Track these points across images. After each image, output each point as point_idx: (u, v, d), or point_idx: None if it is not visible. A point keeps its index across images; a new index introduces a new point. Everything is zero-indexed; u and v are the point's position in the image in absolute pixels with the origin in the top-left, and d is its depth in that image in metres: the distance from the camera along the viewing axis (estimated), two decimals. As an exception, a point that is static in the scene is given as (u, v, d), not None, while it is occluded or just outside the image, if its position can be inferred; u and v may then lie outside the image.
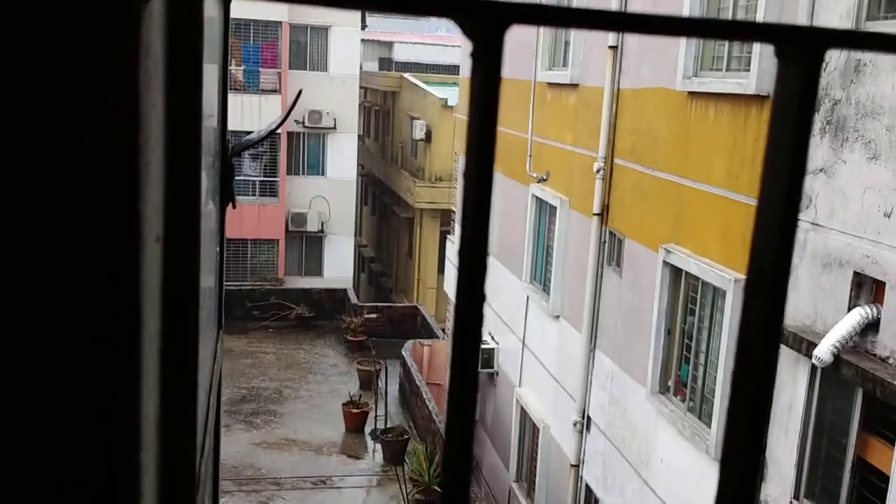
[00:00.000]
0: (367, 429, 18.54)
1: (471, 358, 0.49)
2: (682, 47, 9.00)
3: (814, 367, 6.86)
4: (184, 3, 0.66)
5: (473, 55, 0.50)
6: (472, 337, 0.48)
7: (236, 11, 26.61)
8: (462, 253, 0.50)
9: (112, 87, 0.46)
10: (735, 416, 0.53)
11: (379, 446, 17.66)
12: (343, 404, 18.78)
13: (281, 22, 26.41)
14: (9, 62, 0.46)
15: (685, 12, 8.94)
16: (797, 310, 7.23)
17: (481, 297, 0.50)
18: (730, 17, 8.49)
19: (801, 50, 0.52)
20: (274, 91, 26.67)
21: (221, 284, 2.03)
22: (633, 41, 10.42)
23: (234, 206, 1.99)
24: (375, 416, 18.41)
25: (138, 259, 0.51)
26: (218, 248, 1.91)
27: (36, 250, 0.49)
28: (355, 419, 18.54)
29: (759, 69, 7.64)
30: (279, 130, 26.47)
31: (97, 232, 0.50)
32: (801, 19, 7.15)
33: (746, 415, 0.52)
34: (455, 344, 0.49)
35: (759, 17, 7.68)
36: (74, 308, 0.51)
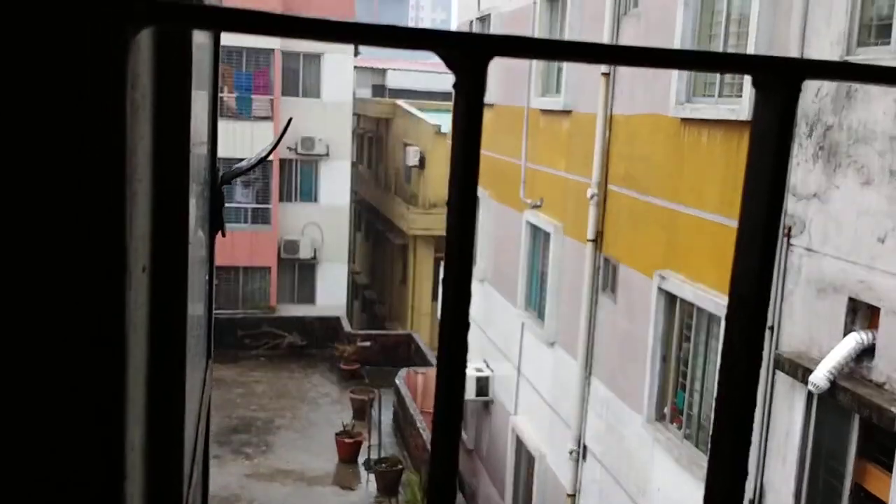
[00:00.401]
0: (361, 459, 18.39)
1: (456, 387, 0.48)
2: (675, 74, 9.07)
3: (810, 394, 6.84)
4: (172, 35, 0.66)
5: (456, 87, 0.51)
6: (456, 363, 0.47)
7: (228, 39, 26.76)
8: (446, 280, 0.49)
9: (99, 118, 0.45)
10: (719, 439, 0.52)
11: (373, 477, 17.50)
12: (336, 434, 18.64)
13: (273, 49, 26.55)
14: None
15: (677, 39, 9.02)
16: (792, 336, 7.22)
17: (465, 325, 0.50)
18: (721, 42, 8.56)
19: (779, 80, 0.53)
20: (266, 118, 26.75)
21: (211, 313, 2.01)
22: (625, 68, 10.50)
23: (223, 235, 1.98)
24: (369, 446, 18.27)
25: (123, 289, 0.50)
26: (207, 277, 1.90)
27: (17, 279, 0.49)
28: (348, 449, 18.39)
29: (751, 95, 7.68)
30: (271, 157, 26.54)
31: (82, 261, 0.49)
32: (793, 45, 7.21)
33: (731, 434, 0.52)
34: (440, 370, 0.48)
35: (751, 43, 7.75)
36: (58, 336, 0.50)
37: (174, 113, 0.69)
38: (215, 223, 1.85)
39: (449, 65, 0.49)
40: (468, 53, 0.49)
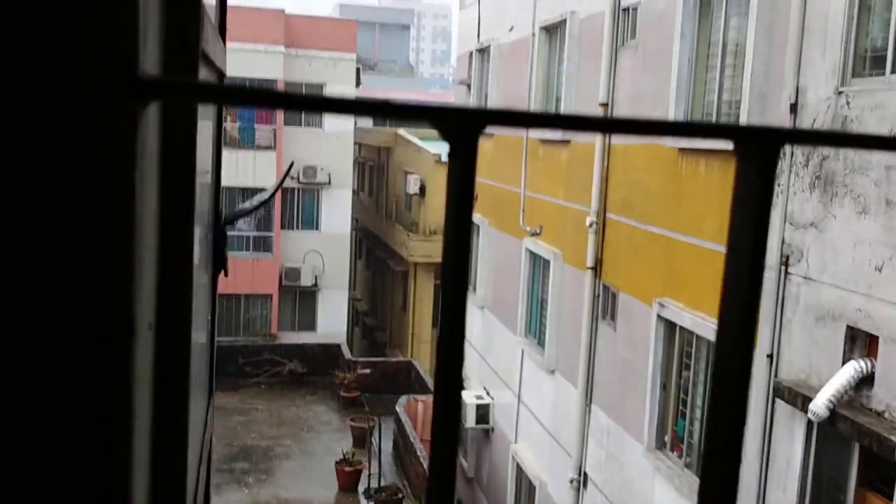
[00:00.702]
0: (361, 487, 18.28)
1: (453, 414, 0.50)
2: (672, 104, 9.15)
3: (810, 422, 6.83)
4: (179, 108, 0.69)
5: (450, 155, 0.54)
6: (452, 396, 0.49)
7: (232, 69, 27.06)
8: (439, 346, 0.52)
9: (110, 188, 0.48)
10: (709, 469, 0.54)
11: (373, 504, 17.40)
12: (336, 462, 18.55)
13: (276, 80, 26.76)
14: (10, 162, 0.49)
15: (674, 69, 9.11)
16: (791, 364, 7.23)
17: (459, 387, 0.52)
18: (717, 73, 8.63)
19: (758, 147, 0.56)
20: (269, 147, 26.90)
21: (213, 353, 2.04)
22: (623, 97, 10.58)
23: (226, 275, 2.01)
24: (369, 474, 18.17)
25: (130, 348, 0.53)
26: (209, 317, 1.92)
27: (26, 336, 0.51)
28: (348, 477, 18.29)
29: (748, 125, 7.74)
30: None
31: (90, 322, 0.51)
32: (788, 76, 7.28)
33: (721, 462, 0.54)
34: (437, 400, 0.51)
35: (747, 73, 7.82)
36: (63, 403, 0.52)
37: (179, 180, 0.72)
38: (218, 263, 1.88)
39: (444, 135, 0.53)
40: (461, 125, 0.53)
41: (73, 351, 0.50)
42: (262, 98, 0.51)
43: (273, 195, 2.94)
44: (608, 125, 0.58)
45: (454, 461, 0.52)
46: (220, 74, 1.60)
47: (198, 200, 1.42)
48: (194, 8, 0.85)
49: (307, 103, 0.56)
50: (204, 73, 1.07)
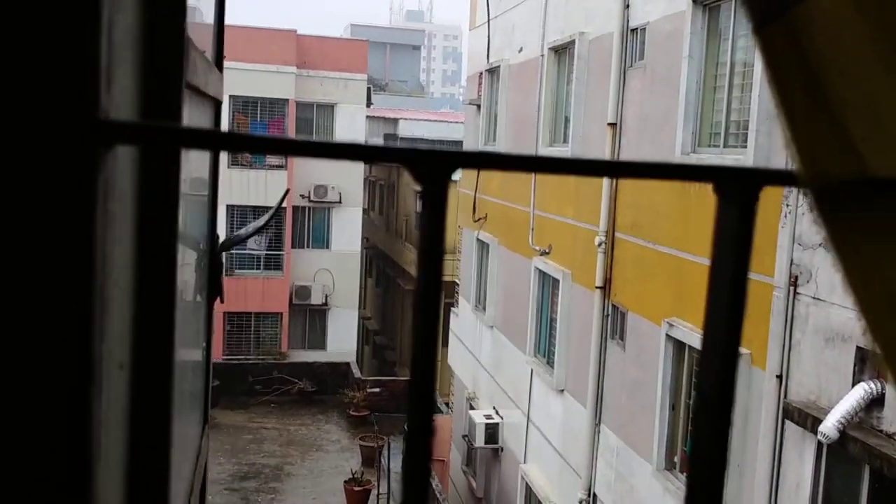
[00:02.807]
0: (370, 506, 18.21)
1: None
2: (680, 123, 9.15)
3: (820, 444, 6.77)
4: (157, 151, 0.69)
5: (422, 196, 0.55)
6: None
7: (244, 90, 27.00)
8: (412, 379, 0.52)
9: (66, 234, 0.48)
10: (693, 485, 0.54)
11: (382, 525, 17.32)
12: (345, 482, 18.49)
13: (287, 99, 26.92)
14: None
15: (682, 90, 9.11)
16: (801, 385, 7.17)
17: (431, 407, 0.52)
18: (725, 93, 8.63)
19: (738, 188, 0.56)
20: (280, 167, 27.02)
21: (208, 378, 2.03)
22: (632, 118, 10.59)
23: (221, 301, 2.01)
24: (378, 494, 18.10)
25: (89, 388, 0.52)
26: (205, 345, 1.92)
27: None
28: (357, 497, 18.22)
29: (755, 145, 7.74)
30: (284, 205, 26.73)
31: (47, 367, 0.51)
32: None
33: (707, 472, 0.53)
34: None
35: (755, 94, 7.81)
36: (19, 433, 0.51)
37: (160, 226, 0.72)
38: (213, 290, 1.88)
39: (416, 177, 0.54)
40: (432, 168, 0.53)
41: (27, 393, 0.50)
42: (224, 141, 0.51)
43: (269, 222, 2.95)
44: (583, 167, 0.58)
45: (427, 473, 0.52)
46: (216, 103, 1.61)
47: (192, 226, 1.42)
48: (176, 41, 0.85)
49: (283, 147, 0.56)
50: (193, 105, 1.07)
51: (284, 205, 26.70)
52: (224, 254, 2.15)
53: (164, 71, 0.78)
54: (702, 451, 0.52)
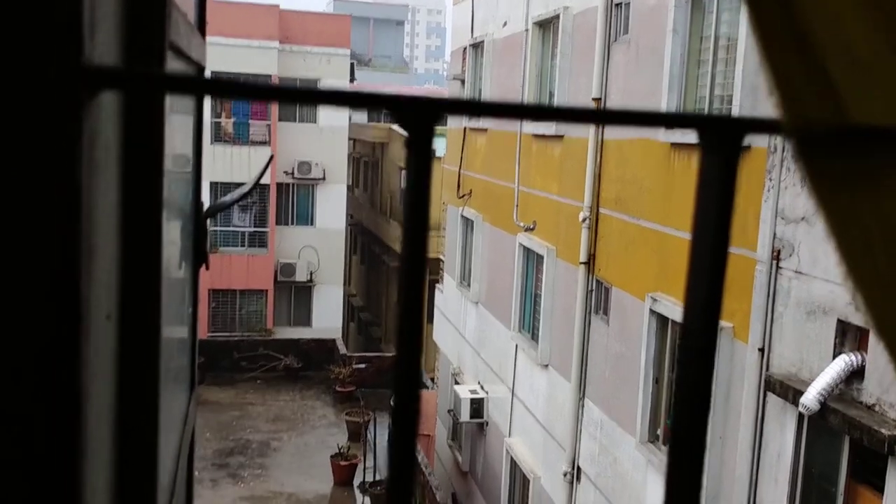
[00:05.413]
0: (356, 481, 18.32)
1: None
2: (665, 97, 9.15)
3: (801, 416, 6.86)
4: (142, 99, 0.69)
5: (408, 143, 0.55)
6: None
7: (226, 65, 26.76)
8: (399, 328, 0.52)
9: (52, 180, 0.48)
10: (676, 450, 0.55)
11: (368, 499, 17.43)
12: (331, 456, 18.58)
13: (270, 75, 26.72)
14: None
15: (666, 65, 9.11)
16: (783, 357, 7.25)
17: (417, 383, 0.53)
18: (710, 67, 8.64)
19: (721, 137, 0.56)
20: (263, 143, 26.87)
21: (195, 344, 2.04)
22: (616, 92, 10.58)
23: (206, 268, 2.01)
24: (364, 469, 18.21)
25: (77, 337, 0.52)
26: (191, 309, 1.92)
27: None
28: (344, 472, 18.33)
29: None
30: (268, 182, 26.61)
31: (35, 313, 0.51)
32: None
33: (687, 446, 0.54)
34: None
35: (738, 68, 7.83)
36: (10, 377, 0.51)
37: (144, 169, 0.72)
38: (199, 256, 1.88)
39: (401, 124, 0.54)
40: (418, 114, 0.53)
41: (16, 334, 0.50)
42: (208, 87, 0.51)
43: (253, 188, 2.94)
44: (568, 115, 0.58)
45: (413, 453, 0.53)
46: (199, 68, 1.60)
47: (176, 192, 1.41)
48: (160, 1, 0.85)
49: (268, 93, 0.56)
50: (176, 66, 1.07)
51: (269, 182, 26.60)
52: (209, 227, 2.15)
53: (147, 26, 0.78)
54: (683, 424, 0.53)
